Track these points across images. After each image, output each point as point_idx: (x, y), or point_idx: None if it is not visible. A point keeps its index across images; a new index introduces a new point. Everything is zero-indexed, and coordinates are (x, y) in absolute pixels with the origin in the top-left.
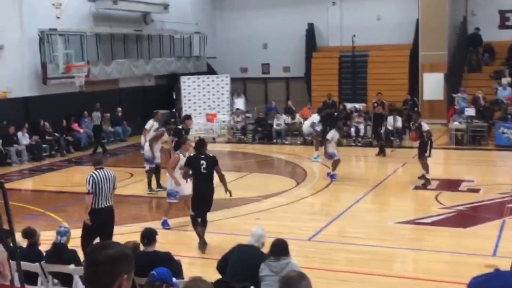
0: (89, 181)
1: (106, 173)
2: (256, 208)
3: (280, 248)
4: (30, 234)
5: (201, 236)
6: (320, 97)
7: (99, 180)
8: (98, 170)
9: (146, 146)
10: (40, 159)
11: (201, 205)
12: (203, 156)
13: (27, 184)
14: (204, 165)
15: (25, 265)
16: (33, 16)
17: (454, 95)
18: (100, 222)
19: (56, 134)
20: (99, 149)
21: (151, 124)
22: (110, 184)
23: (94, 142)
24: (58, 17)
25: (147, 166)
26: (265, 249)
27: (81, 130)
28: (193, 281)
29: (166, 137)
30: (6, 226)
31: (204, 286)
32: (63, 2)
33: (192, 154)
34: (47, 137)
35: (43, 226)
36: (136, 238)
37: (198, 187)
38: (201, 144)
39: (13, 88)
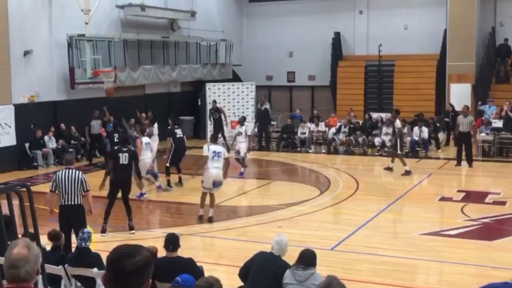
0: (52, 181)
1: (71, 174)
2: (279, 216)
3: (311, 258)
4: (55, 237)
5: None
6: (346, 106)
7: (60, 180)
8: (65, 170)
9: None
10: None
11: None
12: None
13: None
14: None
15: (49, 268)
16: (62, 21)
17: (480, 104)
18: (65, 217)
19: (82, 139)
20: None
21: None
22: (75, 184)
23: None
24: (86, 23)
25: None
26: (286, 258)
27: (104, 134)
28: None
29: None
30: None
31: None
32: (91, 8)
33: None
34: (72, 142)
35: None
36: (159, 243)
37: None
38: None
39: (41, 92)
